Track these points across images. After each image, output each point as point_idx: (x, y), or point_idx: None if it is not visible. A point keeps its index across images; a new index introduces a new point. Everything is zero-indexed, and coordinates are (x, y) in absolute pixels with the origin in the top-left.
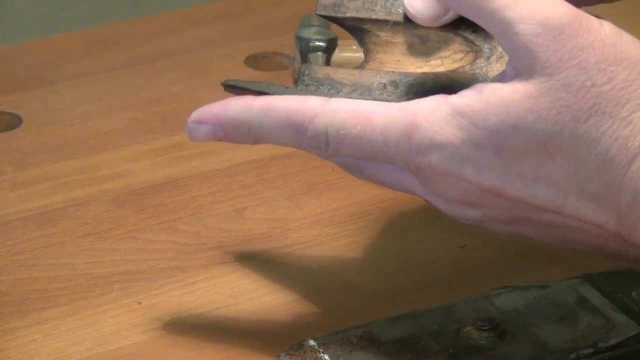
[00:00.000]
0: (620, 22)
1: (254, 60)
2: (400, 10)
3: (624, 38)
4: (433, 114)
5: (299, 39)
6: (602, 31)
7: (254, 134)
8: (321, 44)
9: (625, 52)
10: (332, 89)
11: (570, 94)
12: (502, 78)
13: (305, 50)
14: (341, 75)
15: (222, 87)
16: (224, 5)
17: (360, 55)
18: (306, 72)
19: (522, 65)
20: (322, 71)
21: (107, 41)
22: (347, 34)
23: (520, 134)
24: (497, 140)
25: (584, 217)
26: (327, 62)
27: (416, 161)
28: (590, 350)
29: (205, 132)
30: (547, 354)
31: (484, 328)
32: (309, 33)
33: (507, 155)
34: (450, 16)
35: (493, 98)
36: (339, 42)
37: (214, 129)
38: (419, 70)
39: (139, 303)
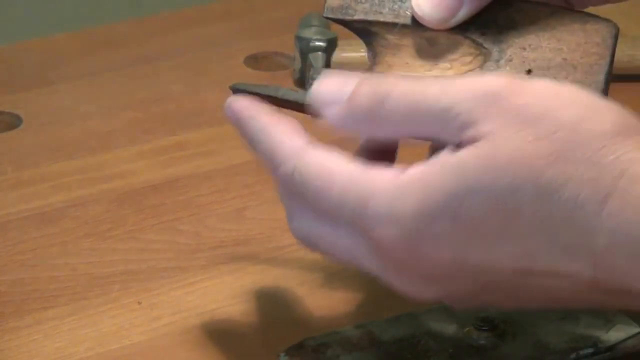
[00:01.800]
0: (620, 22)
1: (254, 60)
2: (408, 13)
3: (558, 87)
4: (390, 183)
5: (299, 39)
6: (534, 86)
7: (251, 146)
8: (321, 44)
9: (566, 99)
10: None
11: (522, 149)
12: (451, 151)
13: (305, 50)
14: None
15: (222, 87)
16: (224, 5)
17: (360, 55)
18: (315, 76)
19: (466, 141)
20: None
21: (107, 41)
22: (347, 34)
23: (477, 196)
24: (453, 207)
25: (556, 270)
26: (327, 62)
27: (371, 233)
28: (590, 350)
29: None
30: (547, 354)
31: (484, 328)
32: (309, 33)
33: (465, 221)
34: (458, 18)
35: (446, 164)
36: (339, 42)
37: (232, 121)
38: (428, 74)
39: (139, 303)
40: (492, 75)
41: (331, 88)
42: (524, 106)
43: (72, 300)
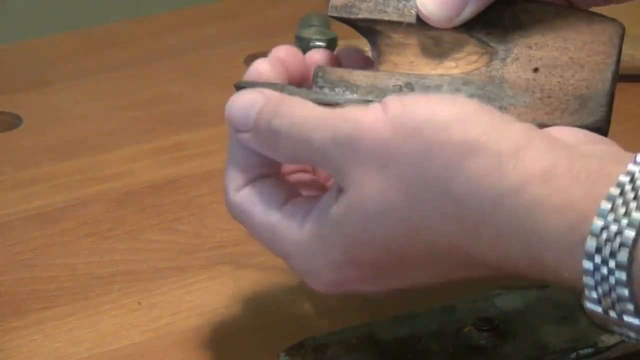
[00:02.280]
0: (621, 21)
1: (254, 60)
2: (413, 12)
3: (408, 110)
4: (297, 244)
5: (299, 39)
6: (387, 119)
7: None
8: (321, 44)
9: (410, 128)
10: (346, 90)
11: (383, 196)
12: (338, 187)
13: (305, 50)
14: (356, 77)
15: (221, 87)
16: (224, 5)
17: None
18: (320, 73)
19: (339, 181)
20: (335, 73)
21: (107, 41)
22: (347, 34)
23: (364, 246)
24: (351, 258)
25: (464, 277)
26: None
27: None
28: (590, 350)
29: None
30: (547, 354)
31: (484, 328)
32: (309, 33)
33: (366, 267)
34: (463, 17)
35: (328, 220)
36: (339, 42)
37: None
38: (433, 72)
39: (139, 303)
40: (349, 111)
41: (240, 112)
42: (373, 150)
43: (72, 300)
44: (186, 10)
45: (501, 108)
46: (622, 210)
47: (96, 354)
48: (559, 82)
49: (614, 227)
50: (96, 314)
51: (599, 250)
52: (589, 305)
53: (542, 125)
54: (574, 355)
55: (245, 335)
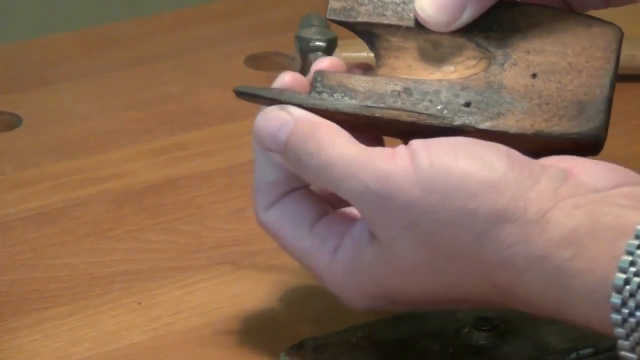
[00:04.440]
0: (620, 22)
1: (254, 60)
2: (412, 15)
3: (438, 171)
4: (328, 273)
5: (299, 39)
6: (414, 178)
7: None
8: (321, 44)
9: (442, 193)
10: (345, 95)
11: (416, 251)
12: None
13: (305, 50)
14: (354, 82)
15: (221, 87)
16: (224, 5)
17: (360, 55)
18: (319, 78)
19: (370, 226)
20: (334, 78)
21: (107, 41)
22: (347, 34)
23: (397, 294)
24: (385, 295)
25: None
26: None
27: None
28: (590, 350)
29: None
30: (547, 354)
31: (484, 328)
32: (309, 33)
33: (400, 301)
34: (462, 21)
35: (360, 266)
36: (339, 42)
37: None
38: (432, 77)
39: (139, 303)
40: (379, 162)
41: (269, 134)
42: (403, 209)
43: (72, 300)
44: (186, 10)
45: (499, 114)
46: None
47: (96, 354)
48: (557, 88)
49: (636, 280)
50: (96, 314)
51: (624, 303)
52: (624, 353)
53: (541, 133)
54: (574, 355)
55: (245, 335)
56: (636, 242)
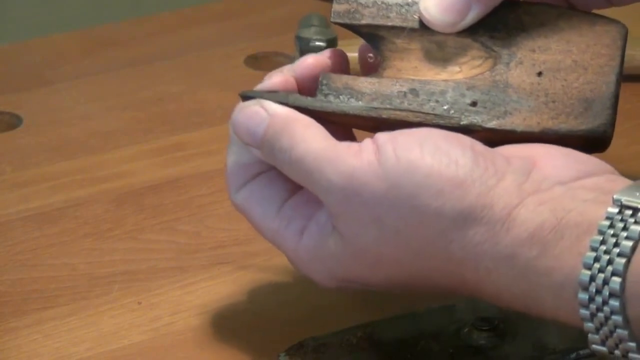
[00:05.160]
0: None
1: (254, 60)
2: (416, 17)
3: (403, 167)
4: (294, 255)
5: (299, 39)
6: (380, 174)
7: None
8: (321, 44)
9: (407, 189)
10: (351, 97)
11: (381, 247)
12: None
13: (305, 50)
14: (360, 84)
15: (221, 87)
16: (224, 5)
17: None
18: (324, 81)
19: (334, 221)
20: (340, 80)
21: (107, 41)
22: (347, 34)
23: (362, 281)
24: (350, 279)
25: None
26: None
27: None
28: (590, 350)
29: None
30: (547, 354)
31: (484, 328)
32: (309, 33)
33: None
34: (467, 21)
35: (324, 253)
36: (339, 42)
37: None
38: (438, 77)
39: (139, 303)
40: (344, 158)
41: (245, 129)
42: (367, 205)
43: (72, 300)
44: (186, 10)
45: (506, 113)
46: (605, 258)
47: (96, 354)
48: (563, 85)
49: (600, 276)
50: (96, 314)
51: (591, 299)
52: (595, 347)
53: (549, 131)
54: (574, 355)
55: (245, 335)
56: (599, 238)
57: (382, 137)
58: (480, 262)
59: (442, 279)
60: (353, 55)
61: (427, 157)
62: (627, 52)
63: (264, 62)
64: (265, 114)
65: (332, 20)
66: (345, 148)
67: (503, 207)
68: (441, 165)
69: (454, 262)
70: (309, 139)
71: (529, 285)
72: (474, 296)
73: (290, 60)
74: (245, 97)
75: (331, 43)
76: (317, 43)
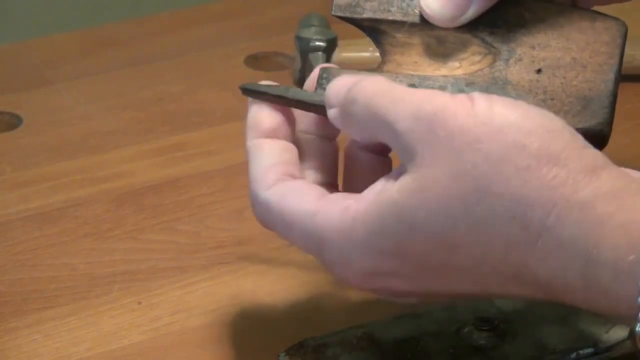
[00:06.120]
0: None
1: (254, 60)
2: (417, 11)
3: (497, 110)
4: (336, 231)
5: (299, 39)
6: (471, 111)
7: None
8: (321, 44)
9: (497, 125)
10: None
11: (452, 181)
12: (399, 172)
13: (305, 50)
14: None
15: (221, 87)
16: (224, 5)
17: (360, 55)
18: (324, 75)
19: (407, 161)
20: (340, 74)
21: (107, 41)
22: (347, 34)
23: (417, 234)
24: (398, 247)
25: (509, 293)
26: (327, 62)
27: (331, 270)
28: (590, 350)
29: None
30: (547, 354)
31: (484, 328)
32: (309, 33)
33: (412, 259)
34: (467, 17)
35: (383, 204)
36: (339, 42)
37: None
38: (437, 73)
39: (139, 303)
40: (436, 94)
41: (334, 90)
42: (452, 135)
43: (72, 300)
44: (186, 10)
45: None
46: None
47: (96, 354)
48: (562, 83)
49: None
50: (96, 314)
51: None
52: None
53: None
54: (574, 355)
55: (245, 335)
56: None
57: (476, 92)
58: (552, 207)
59: (500, 227)
60: (353, 55)
61: (522, 106)
62: (627, 52)
63: (264, 62)
64: (358, 77)
65: (333, 13)
66: (437, 91)
67: (591, 162)
68: (536, 114)
69: (524, 201)
70: (392, 83)
71: (595, 241)
72: (521, 263)
73: (290, 60)
74: (245, 90)
75: (331, 43)
76: (317, 43)
